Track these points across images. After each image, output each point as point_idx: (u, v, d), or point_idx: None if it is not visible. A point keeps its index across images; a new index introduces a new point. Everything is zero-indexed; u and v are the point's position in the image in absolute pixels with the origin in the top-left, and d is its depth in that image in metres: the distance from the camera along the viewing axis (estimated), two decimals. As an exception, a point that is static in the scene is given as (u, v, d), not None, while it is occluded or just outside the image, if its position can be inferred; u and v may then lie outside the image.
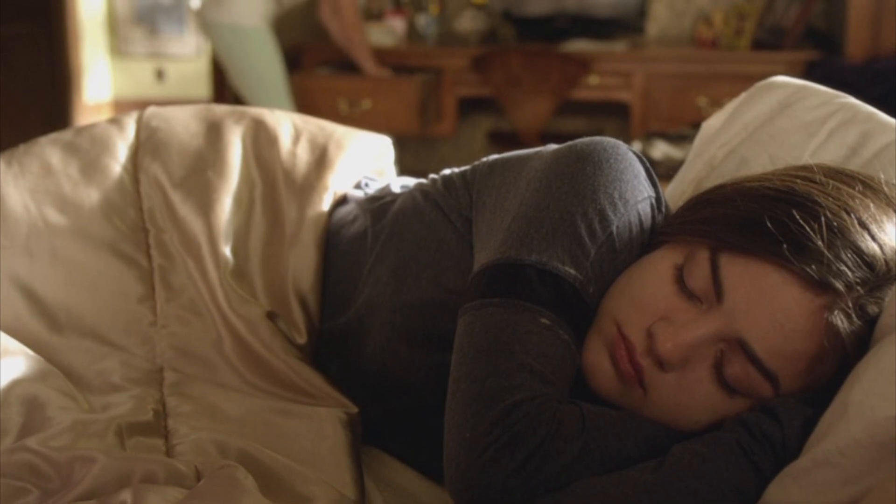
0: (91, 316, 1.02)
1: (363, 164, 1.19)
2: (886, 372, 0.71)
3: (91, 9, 5.59)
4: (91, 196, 1.08)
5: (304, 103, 3.81)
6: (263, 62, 3.55)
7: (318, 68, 4.10)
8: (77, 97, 5.39)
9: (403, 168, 1.40)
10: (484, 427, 0.74)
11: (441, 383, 0.83)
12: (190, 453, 0.87)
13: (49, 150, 1.11)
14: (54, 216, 1.06)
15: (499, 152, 1.05)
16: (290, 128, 1.17)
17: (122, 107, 5.67)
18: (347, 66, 3.97)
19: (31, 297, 1.02)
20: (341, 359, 1.02)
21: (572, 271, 0.82)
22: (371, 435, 1.00)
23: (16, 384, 0.91)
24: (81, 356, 1.00)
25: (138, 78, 5.83)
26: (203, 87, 5.38)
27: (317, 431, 0.92)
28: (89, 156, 1.11)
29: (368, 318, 0.99)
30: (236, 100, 3.71)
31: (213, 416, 0.94)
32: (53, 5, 5.18)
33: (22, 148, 1.12)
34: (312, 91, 3.96)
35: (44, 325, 1.01)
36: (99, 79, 5.71)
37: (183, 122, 1.16)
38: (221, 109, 1.20)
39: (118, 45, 5.79)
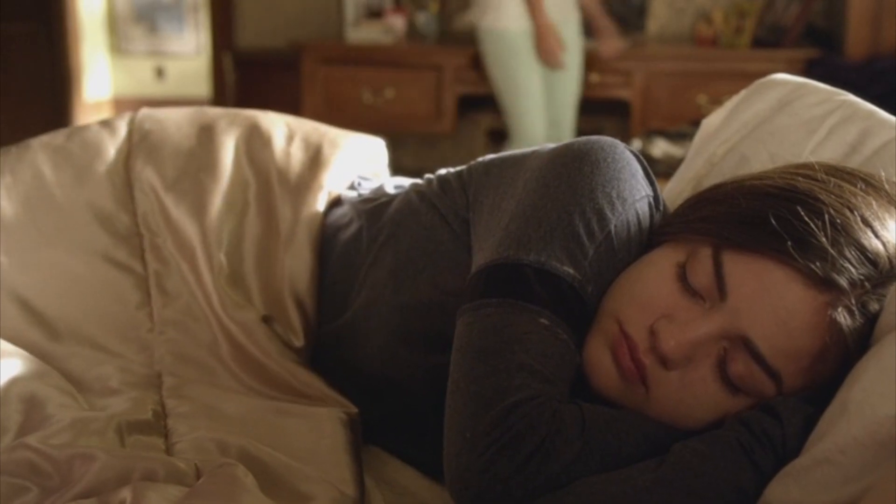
0: (89, 325, 1.02)
1: (357, 164, 1.19)
2: (887, 370, 0.71)
3: (91, 7, 5.59)
4: (84, 203, 1.07)
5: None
6: (521, 68, 3.59)
7: (318, 67, 4.09)
8: (77, 96, 5.39)
9: (403, 166, 1.40)
10: (484, 427, 0.74)
11: (440, 384, 0.82)
12: (190, 451, 0.87)
13: (41, 157, 1.10)
14: (48, 226, 1.05)
15: (499, 151, 1.05)
16: (283, 128, 1.17)
17: (122, 105, 5.67)
18: (344, 62, 3.98)
19: (28, 308, 1.01)
20: (340, 361, 1.01)
21: (570, 271, 0.82)
22: (370, 436, 0.99)
23: (14, 382, 0.91)
24: (80, 362, 0.99)
25: (138, 76, 5.83)
26: (203, 85, 5.37)
27: (316, 430, 0.92)
28: (81, 162, 1.10)
29: (366, 320, 0.99)
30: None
31: (212, 416, 0.94)
32: (53, 4, 5.19)
33: (14, 153, 1.10)
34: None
35: (42, 334, 1.01)
36: (99, 77, 5.71)
37: (176, 124, 1.15)
38: (215, 112, 1.19)
39: (118, 44, 5.78)
